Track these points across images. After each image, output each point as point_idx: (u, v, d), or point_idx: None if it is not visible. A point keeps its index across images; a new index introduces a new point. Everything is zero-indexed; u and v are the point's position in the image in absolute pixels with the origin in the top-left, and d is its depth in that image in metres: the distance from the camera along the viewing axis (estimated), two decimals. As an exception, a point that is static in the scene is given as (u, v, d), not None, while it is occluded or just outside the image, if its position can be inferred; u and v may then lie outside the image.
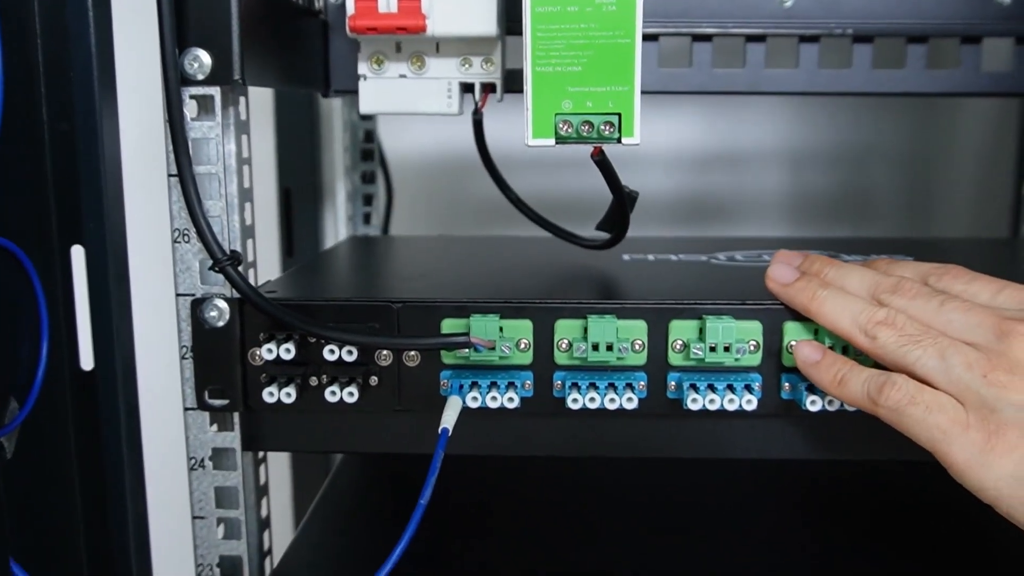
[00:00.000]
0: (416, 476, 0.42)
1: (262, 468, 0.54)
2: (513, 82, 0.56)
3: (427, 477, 0.40)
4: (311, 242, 0.86)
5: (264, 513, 0.54)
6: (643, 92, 0.61)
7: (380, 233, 0.88)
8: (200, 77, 0.46)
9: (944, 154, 0.98)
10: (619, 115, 0.45)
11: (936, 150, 0.99)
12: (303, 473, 0.92)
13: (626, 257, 0.62)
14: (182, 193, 0.46)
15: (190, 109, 0.47)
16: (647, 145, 1.00)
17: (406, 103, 0.55)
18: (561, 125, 0.45)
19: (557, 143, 0.45)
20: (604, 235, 0.56)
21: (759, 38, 0.60)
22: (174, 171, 0.46)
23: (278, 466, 0.94)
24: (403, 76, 0.55)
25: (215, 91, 0.47)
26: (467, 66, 0.55)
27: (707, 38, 0.60)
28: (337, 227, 0.85)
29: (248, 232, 0.51)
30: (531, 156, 0.91)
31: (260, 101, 0.86)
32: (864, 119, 0.98)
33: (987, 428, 0.38)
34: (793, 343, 0.46)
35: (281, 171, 0.86)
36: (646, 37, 0.60)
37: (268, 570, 0.54)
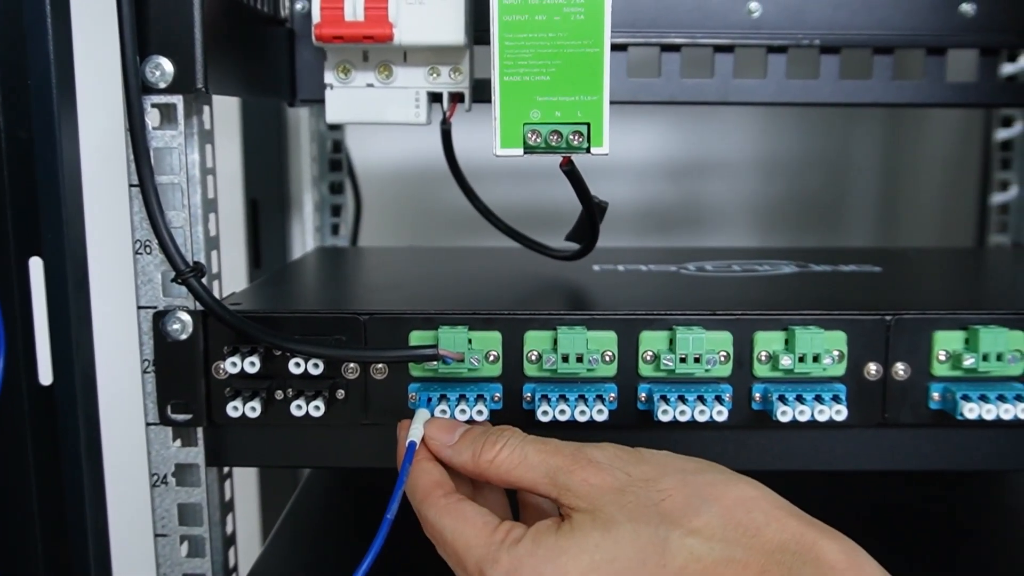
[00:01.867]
0: (384, 490, 0.41)
1: (227, 484, 0.53)
2: (481, 92, 0.56)
3: (394, 491, 0.39)
4: (278, 253, 0.85)
5: (229, 530, 0.53)
6: (612, 102, 0.61)
7: (349, 244, 0.87)
8: (162, 85, 0.45)
9: (911, 164, 0.99)
10: (588, 125, 0.44)
11: (903, 160, 1.00)
12: (270, 489, 0.90)
13: (596, 268, 0.61)
14: (143, 203, 0.45)
15: (152, 118, 0.46)
16: (616, 155, 1.00)
17: (373, 113, 0.55)
18: (529, 135, 0.44)
19: (525, 153, 0.45)
20: (574, 246, 0.56)
21: (727, 48, 0.60)
22: (135, 181, 0.45)
23: (245, 482, 0.92)
24: (370, 85, 0.54)
25: (178, 99, 0.46)
26: (435, 75, 0.54)
27: (676, 48, 0.60)
28: (305, 238, 0.84)
29: (212, 243, 0.50)
30: (501, 166, 0.90)
31: (226, 111, 0.85)
32: (833, 129, 0.99)
33: None
34: None
35: (248, 182, 0.85)
36: (615, 47, 0.60)
37: (233, 588, 0.53)
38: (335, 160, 0.86)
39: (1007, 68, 0.81)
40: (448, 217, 0.96)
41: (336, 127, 0.86)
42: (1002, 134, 0.86)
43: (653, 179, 0.98)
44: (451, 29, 0.51)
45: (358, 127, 0.92)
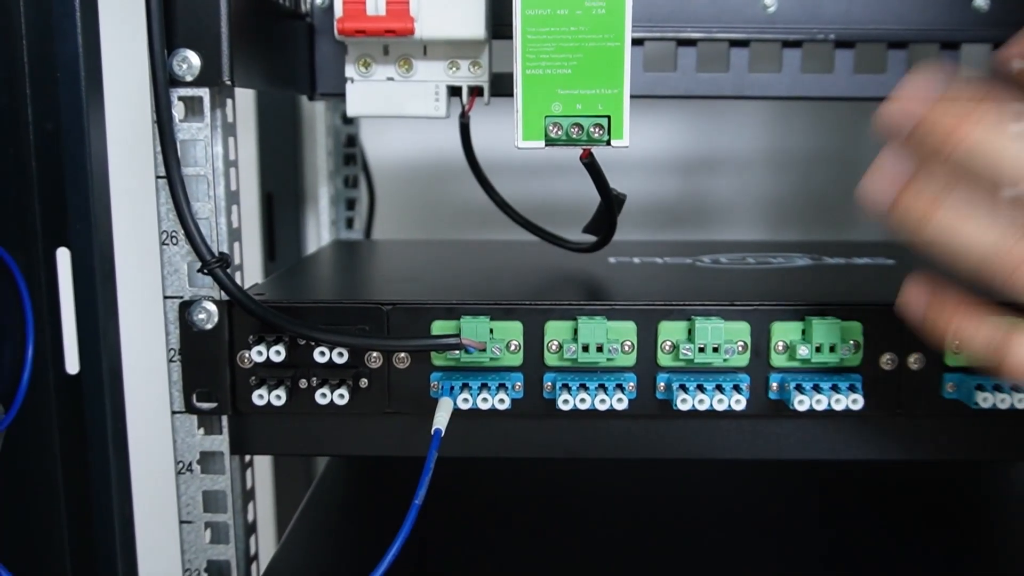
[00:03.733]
0: (403, 479, 0.42)
1: (248, 472, 0.54)
2: (500, 85, 0.56)
3: (421, 477, 0.40)
4: (293, 247, 0.85)
5: (251, 518, 0.54)
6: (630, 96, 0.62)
7: (363, 237, 0.88)
8: (189, 78, 0.46)
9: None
10: (608, 118, 0.45)
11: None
12: (285, 478, 0.91)
13: (612, 260, 0.62)
14: (170, 195, 0.46)
15: (178, 110, 0.47)
16: (628, 150, 1.01)
17: (393, 106, 0.55)
18: (551, 127, 0.45)
19: (547, 145, 0.45)
20: (591, 238, 0.57)
21: (743, 43, 0.60)
22: (162, 173, 0.46)
23: (260, 472, 0.93)
24: (390, 79, 0.55)
25: (204, 92, 0.46)
26: (454, 69, 0.55)
27: (692, 43, 0.61)
28: (319, 231, 0.84)
29: (235, 235, 0.50)
30: (516, 160, 0.91)
31: (242, 105, 0.86)
32: (844, 124, 0.99)
33: None
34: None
35: (263, 175, 0.86)
36: (632, 42, 0.61)
37: (255, 575, 0.54)
38: (349, 154, 0.87)
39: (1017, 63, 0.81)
40: (461, 211, 0.97)
41: (350, 121, 0.86)
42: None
43: (665, 174, 0.98)
44: (472, 23, 0.51)
45: (372, 121, 0.93)
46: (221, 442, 0.49)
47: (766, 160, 0.99)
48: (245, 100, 0.86)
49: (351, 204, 0.87)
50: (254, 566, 0.54)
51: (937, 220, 0.32)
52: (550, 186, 0.94)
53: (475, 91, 0.56)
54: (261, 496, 0.93)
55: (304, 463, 0.87)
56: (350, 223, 0.87)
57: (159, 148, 0.45)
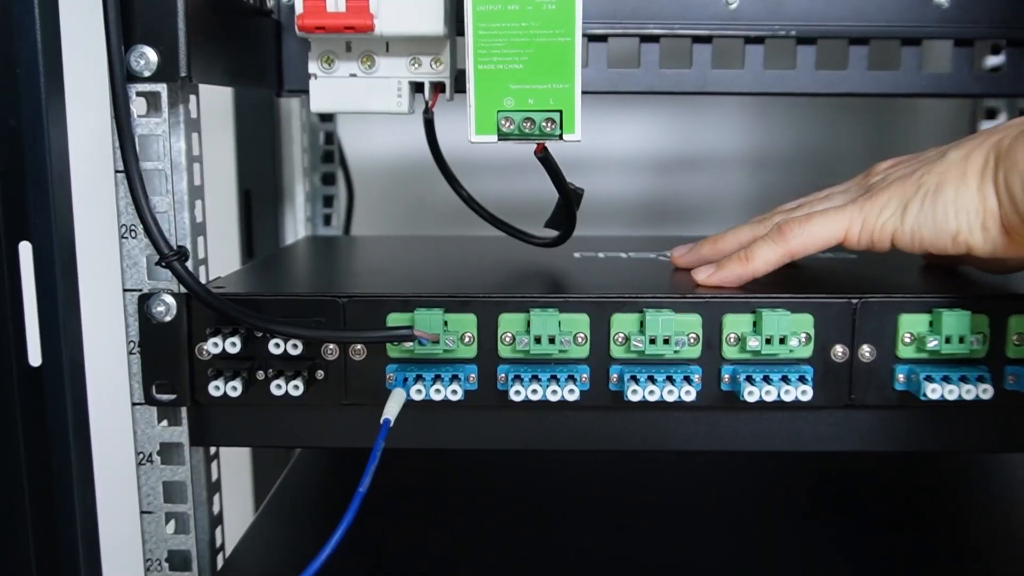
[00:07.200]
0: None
1: (214, 465, 0.54)
2: (463, 82, 0.57)
3: (366, 466, 0.40)
4: (271, 244, 0.86)
5: (216, 509, 0.55)
6: (593, 93, 0.62)
7: (342, 234, 0.88)
8: (146, 74, 0.46)
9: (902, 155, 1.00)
10: (560, 112, 0.46)
11: (893, 152, 1.00)
12: (263, 469, 0.92)
13: (577, 255, 0.63)
14: (128, 189, 0.46)
15: (138, 106, 0.48)
16: (607, 149, 1.02)
17: (356, 102, 0.56)
18: (503, 122, 0.46)
19: (500, 139, 0.46)
20: (554, 233, 0.57)
21: (705, 39, 0.61)
22: (121, 167, 0.47)
23: (239, 462, 0.94)
24: (353, 75, 0.55)
25: (162, 88, 0.47)
26: (416, 65, 0.55)
27: (655, 39, 0.61)
28: (297, 228, 0.85)
29: (199, 229, 0.51)
30: (498, 159, 0.92)
31: (221, 103, 0.86)
32: (822, 122, 0.99)
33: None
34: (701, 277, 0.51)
35: (241, 172, 0.86)
36: (595, 38, 0.61)
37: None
38: (329, 151, 0.87)
39: (991, 60, 0.82)
40: (441, 208, 0.97)
41: (328, 119, 0.87)
42: (985, 126, 0.86)
43: (644, 173, 0.99)
44: (431, 20, 0.52)
45: (352, 120, 0.93)
46: (181, 433, 0.50)
47: (745, 159, 0.99)
48: (223, 98, 0.86)
49: (329, 201, 0.88)
50: (220, 557, 0.55)
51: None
52: (535, 183, 0.95)
53: (438, 87, 0.57)
54: (240, 488, 0.94)
55: (282, 453, 0.87)
56: (328, 220, 0.88)
57: (117, 143, 0.46)
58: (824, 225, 0.49)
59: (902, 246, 0.47)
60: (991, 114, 0.87)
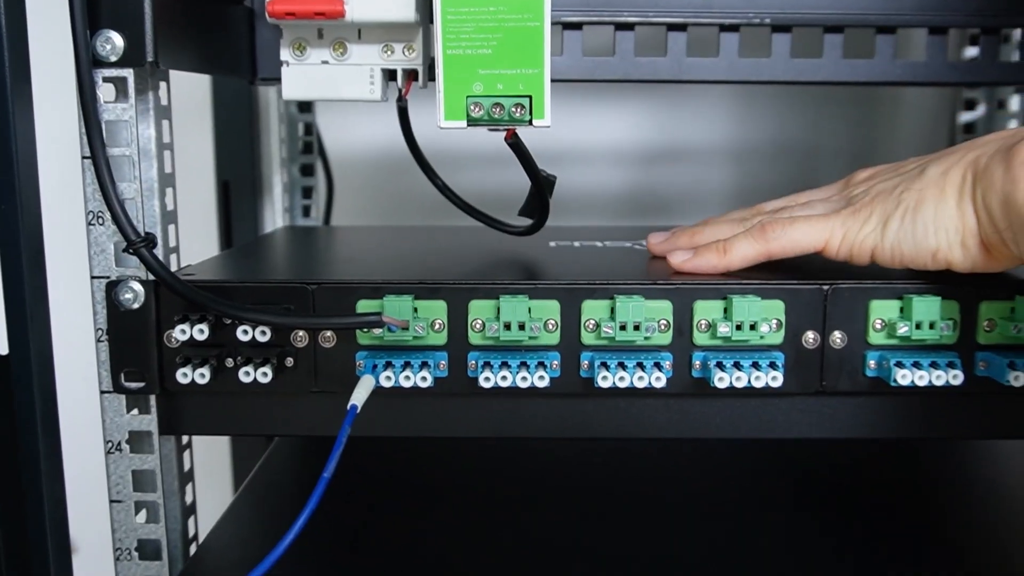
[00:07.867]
0: (344, 459, 0.42)
1: (186, 454, 0.54)
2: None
3: (331, 452, 0.40)
4: (250, 235, 0.86)
5: (189, 499, 0.54)
6: (568, 81, 0.62)
7: (321, 225, 0.88)
8: (113, 59, 0.46)
9: (883, 148, 1.00)
10: (530, 97, 0.45)
11: (875, 145, 1.01)
12: (242, 458, 0.91)
13: (552, 244, 0.62)
14: (95, 175, 0.46)
15: (105, 92, 0.47)
16: (591, 140, 1.01)
17: (328, 89, 0.55)
18: (472, 107, 0.45)
19: (469, 125, 0.46)
20: (529, 221, 0.57)
21: (680, 27, 0.61)
22: (87, 153, 0.46)
23: (219, 451, 0.93)
24: (325, 62, 0.55)
25: (128, 73, 0.47)
26: (389, 52, 0.55)
27: (630, 27, 0.61)
28: (276, 220, 0.85)
29: (169, 218, 0.51)
30: (483, 149, 0.91)
31: (199, 93, 0.86)
32: (804, 113, 0.99)
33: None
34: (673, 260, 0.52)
35: (219, 163, 0.86)
36: (570, 26, 0.61)
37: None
38: (308, 142, 0.87)
39: (969, 51, 0.82)
40: (422, 200, 0.97)
41: (307, 109, 0.87)
42: (964, 117, 0.87)
43: (625, 165, 0.99)
44: (402, 6, 0.52)
45: (330, 110, 0.93)
46: (150, 422, 0.50)
47: (729, 150, 0.99)
48: (202, 89, 0.86)
49: (308, 192, 0.87)
50: (192, 547, 0.55)
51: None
52: (516, 174, 0.94)
53: (411, 75, 0.56)
54: (220, 477, 0.94)
55: (261, 444, 0.87)
56: (307, 211, 0.88)
57: (84, 128, 0.46)
58: (805, 232, 0.49)
59: (882, 262, 0.47)
60: (970, 105, 0.87)
